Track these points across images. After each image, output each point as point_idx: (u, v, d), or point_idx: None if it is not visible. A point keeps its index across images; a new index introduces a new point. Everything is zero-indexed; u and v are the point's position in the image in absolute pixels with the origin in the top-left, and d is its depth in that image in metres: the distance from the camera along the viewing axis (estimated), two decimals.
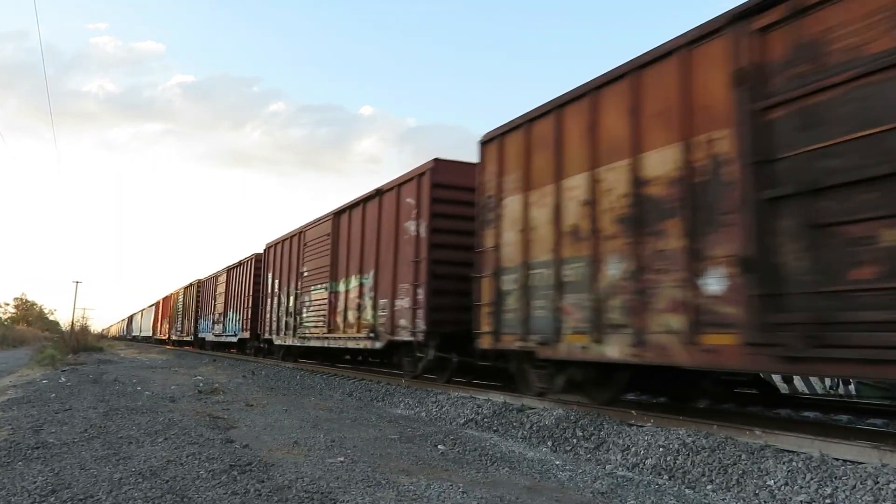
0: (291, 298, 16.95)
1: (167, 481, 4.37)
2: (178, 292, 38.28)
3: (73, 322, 55.34)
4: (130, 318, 78.49)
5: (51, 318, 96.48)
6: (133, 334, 71.65)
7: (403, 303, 10.92)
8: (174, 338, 38.82)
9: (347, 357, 17.20)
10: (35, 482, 4.29)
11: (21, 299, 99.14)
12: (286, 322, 17.33)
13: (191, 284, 33.66)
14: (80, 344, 28.26)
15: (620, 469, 5.30)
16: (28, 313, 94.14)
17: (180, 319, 36.48)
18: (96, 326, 72.86)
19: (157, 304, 50.02)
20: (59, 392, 9.88)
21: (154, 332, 49.88)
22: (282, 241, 18.25)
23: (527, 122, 8.21)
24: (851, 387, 11.01)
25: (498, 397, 8.36)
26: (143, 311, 63.68)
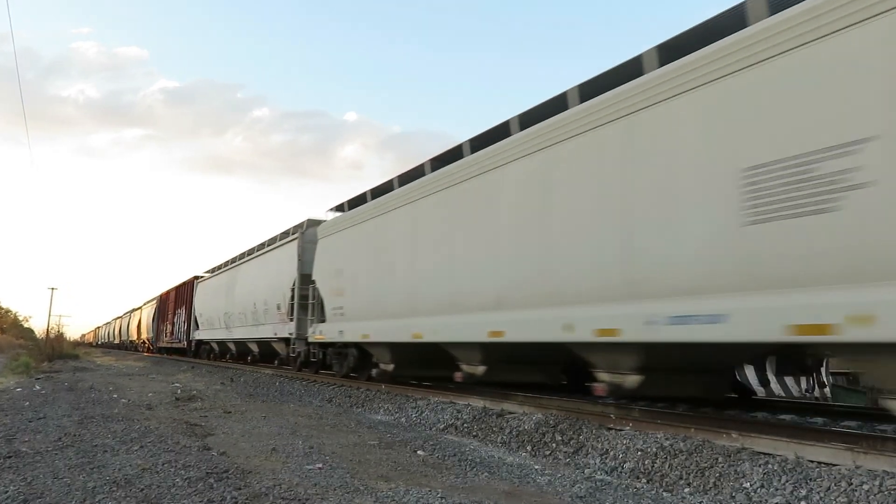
0: None
1: (142, 489, 4.31)
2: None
3: (48, 329, 53.89)
4: (163, 301, 34.41)
5: (25, 325, 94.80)
6: (173, 338, 30.26)
7: None
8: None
9: None
10: (6, 491, 4.21)
11: None
12: None
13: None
14: (55, 351, 27.87)
15: (599, 473, 5.32)
16: (2, 321, 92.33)
17: None
18: (73, 333, 69.70)
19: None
20: (33, 400, 9.71)
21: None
22: None
23: None
24: (827, 390, 11.13)
25: (478, 402, 8.35)
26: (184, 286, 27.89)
